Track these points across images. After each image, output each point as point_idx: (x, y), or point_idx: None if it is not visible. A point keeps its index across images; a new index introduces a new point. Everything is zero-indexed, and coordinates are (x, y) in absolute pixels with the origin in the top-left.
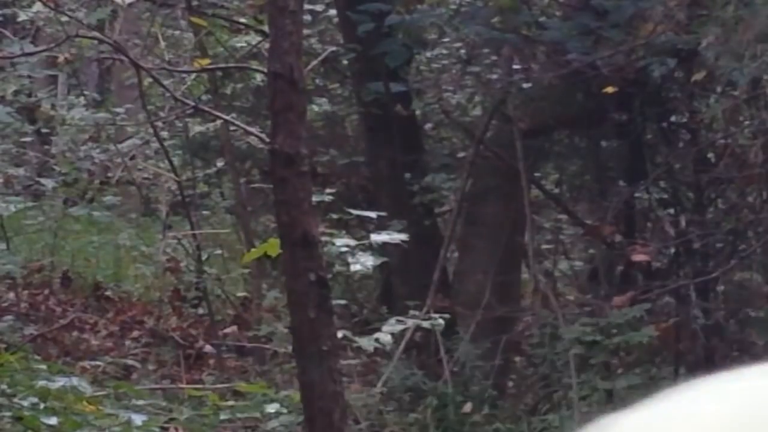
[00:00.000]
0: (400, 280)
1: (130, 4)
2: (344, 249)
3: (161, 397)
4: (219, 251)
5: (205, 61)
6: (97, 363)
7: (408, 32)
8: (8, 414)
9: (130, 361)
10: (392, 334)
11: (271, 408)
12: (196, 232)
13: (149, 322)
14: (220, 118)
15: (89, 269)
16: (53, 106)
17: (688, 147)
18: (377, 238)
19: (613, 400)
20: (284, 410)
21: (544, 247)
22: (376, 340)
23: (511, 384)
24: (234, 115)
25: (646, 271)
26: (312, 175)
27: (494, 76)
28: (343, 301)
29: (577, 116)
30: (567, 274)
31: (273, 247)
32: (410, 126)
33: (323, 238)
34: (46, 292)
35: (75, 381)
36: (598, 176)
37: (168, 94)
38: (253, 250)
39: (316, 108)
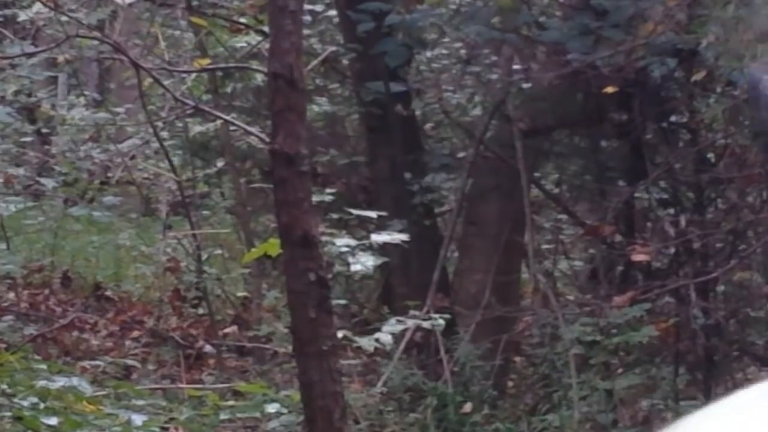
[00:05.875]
0: (400, 280)
1: (130, 4)
2: (344, 249)
3: (161, 397)
4: (219, 251)
5: (205, 61)
6: (97, 363)
7: (408, 32)
8: (8, 414)
9: (130, 361)
10: (392, 334)
11: (271, 408)
12: (196, 232)
13: (149, 322)
14: (220, 118)
15: (89, 269)
16: (53, 106)
17: (688, 147)
18: (377, 238)
19: (613, 400)
20: (284, 410)
21: (544, 247)
22: (376, 340)
23: (511, 384)
24: (234, 115)
25: (646, 271)
26: (312, 175)
27: (494, 76)
28: (343, 301)
29: (577, 116)
30: (567, 274)
31: (273, 247)
32: (410, 126)
33: (323, 238)
34: (46, 292)
35: (75, 381)
36: (598, 176)
37: (168, 94)
38: (253, 250)
39: (316, 108)
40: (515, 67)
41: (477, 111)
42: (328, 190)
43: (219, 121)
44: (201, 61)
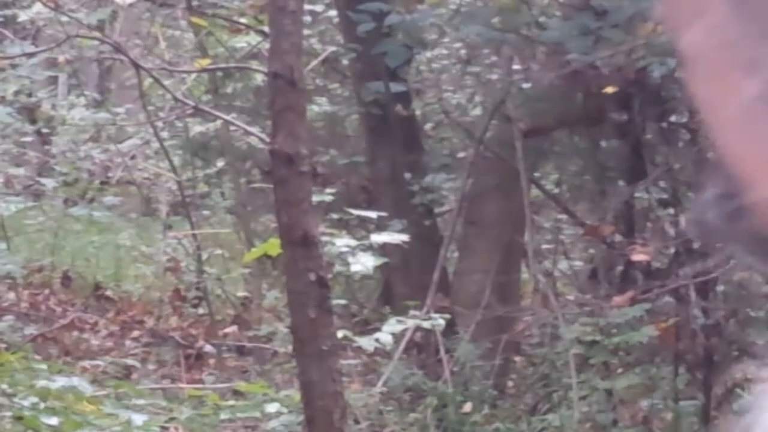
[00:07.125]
0: (400, 280)
1: (130, 4)
2: (344, 249)
3: (161, 397)
4: (219, 251)
5: (205, 61)
6: (98, 363)
7: (408, 32)
8: (8, 414)
9: (130, 361)
10: (392, 334)
11: (272, 408)
12: (196, 232)
13: (149, 322)
14: (220, 118)
15: (89, 269)
16: (53, 106)
17: (688, 147)
18: (377, 238)
19: (613, 400)
20: (284, 410)
21: (544, 247)
22: (376, 340)
23: (511, 384)
24: (234, 115)
25: (645, 271)
26: (312, 175)
27: (494, 76)
28: (343, 301)
29: (577, 116)
30: (567, 274)
31: (273, 247)
32: (410, 126)
33: (323, 238)
34: (47, 292)
35: (75, 381)
36: (598, 176)
37: (168, 95)
38: (253, 250)
39: (316, 108)
40: (515, 67)
41: (477, 111)
42: (328, 190)
43: (219, 121)
44: (201, 61)
